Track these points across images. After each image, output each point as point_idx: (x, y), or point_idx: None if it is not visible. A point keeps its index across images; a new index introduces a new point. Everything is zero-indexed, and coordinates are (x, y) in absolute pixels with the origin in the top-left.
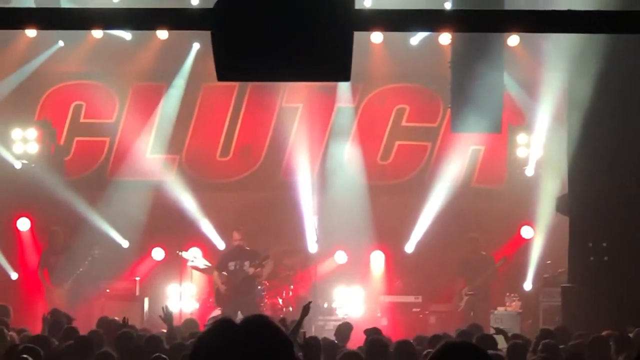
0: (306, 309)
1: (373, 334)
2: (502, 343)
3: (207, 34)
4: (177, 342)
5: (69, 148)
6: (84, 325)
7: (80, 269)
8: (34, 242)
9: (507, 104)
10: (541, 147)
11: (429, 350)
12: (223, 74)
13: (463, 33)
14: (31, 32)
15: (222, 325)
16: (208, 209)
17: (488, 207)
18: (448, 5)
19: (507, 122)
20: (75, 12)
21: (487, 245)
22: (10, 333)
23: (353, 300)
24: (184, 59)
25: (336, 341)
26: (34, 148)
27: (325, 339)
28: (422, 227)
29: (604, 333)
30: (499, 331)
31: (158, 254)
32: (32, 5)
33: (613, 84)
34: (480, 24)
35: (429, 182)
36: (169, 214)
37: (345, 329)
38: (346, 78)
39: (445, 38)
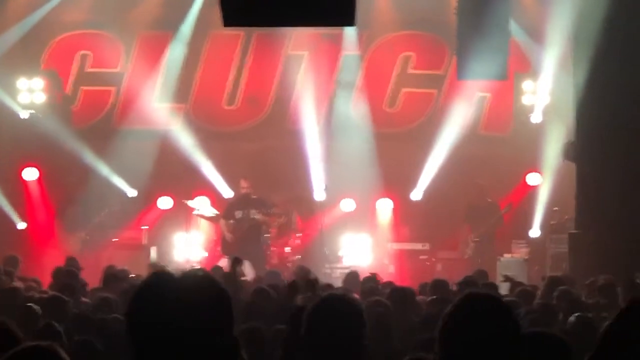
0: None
1: (369, 281)
2: (504, 290)
3: None
4: None
5: (76, 97)
6: (92, 274)
7: (96, 220)
8: (42, 192)
9: (513, 50)
10: (547, 94)
11: (433, 297)
12: (229, 19)
13: None
14: None
15: (159, 276)
16: (215, 158)
17: (494, 155)
18: None
19: (513, 69)
20: None
21: (493, 193)
22: (17, 283)
23: (360, 248)
24: (190, 7)
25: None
26: (40, 98)
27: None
28: (429, 174)
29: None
30: (507, 279)
31: (165, 202)
32: None
33: (619, 28)
34: None
35: (435, 130)
36: (176, 163)
37: (353, 278)
38: (351, 23)
39: None
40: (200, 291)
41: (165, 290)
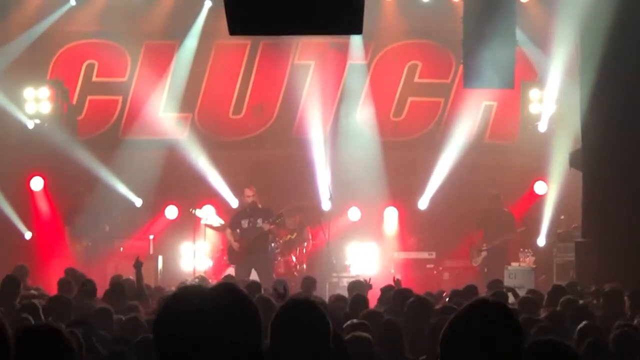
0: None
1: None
2: (512, 299)
3: None
4: None
5: (82, 107)
6: (98, 283)
7: (102, 230)
8: (48, 202)
9: (519, 59)
10: (554, 103)
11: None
12: (234, 27)
13: None
14: None
15: (190, 289)
16: (221, 167)
17: (501, 163)
18: None
19: (519, 78)
20: None
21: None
22: (32, 292)
23: (367, 257)
24: (196, 17)
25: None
26: (46, 107)
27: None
28: (435, 183)
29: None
30: (509, 289)
31: (171, 212)
32: None
33: (626, 37)
34: None
35: (442, 138)
36: (182, 172)
37: (357, 286)
38: (358, 30)
39: None
40: (228, 305)
41: (192, 304)
